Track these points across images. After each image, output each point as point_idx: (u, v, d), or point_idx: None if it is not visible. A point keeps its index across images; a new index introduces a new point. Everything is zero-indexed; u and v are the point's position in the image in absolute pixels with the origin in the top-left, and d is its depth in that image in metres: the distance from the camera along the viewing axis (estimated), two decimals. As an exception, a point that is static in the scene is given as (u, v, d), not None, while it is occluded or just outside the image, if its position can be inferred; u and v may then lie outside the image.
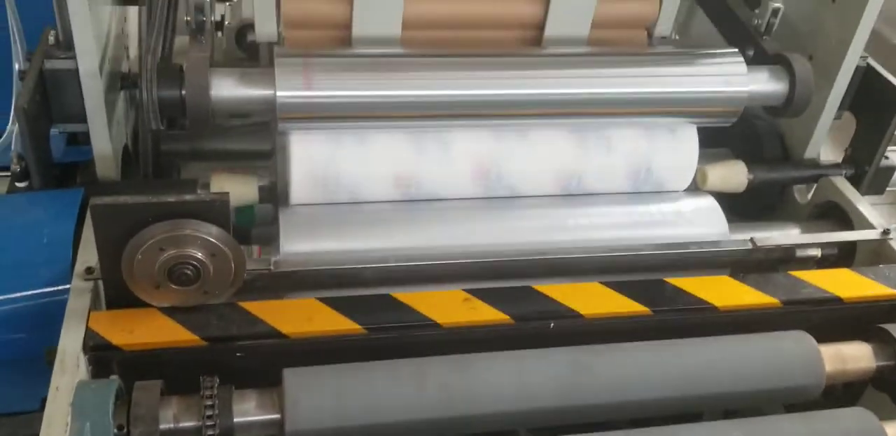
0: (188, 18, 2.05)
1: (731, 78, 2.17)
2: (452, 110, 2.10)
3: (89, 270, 1.97)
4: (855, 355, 2.00)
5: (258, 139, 2.71)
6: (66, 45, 2.13)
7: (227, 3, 2.75)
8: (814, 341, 1.98)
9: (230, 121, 2.79)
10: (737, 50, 2.22)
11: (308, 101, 2.01)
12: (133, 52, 2.58)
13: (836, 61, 2.37)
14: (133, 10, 2.59)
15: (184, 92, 1.97)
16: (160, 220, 1.79)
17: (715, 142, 2.54)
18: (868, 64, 2.42)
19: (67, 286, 2.01)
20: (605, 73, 2.15)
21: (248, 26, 2.67)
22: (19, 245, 2.08)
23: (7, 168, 2.25)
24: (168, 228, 1.80)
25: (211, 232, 1.82)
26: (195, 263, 1.83)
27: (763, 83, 2.21)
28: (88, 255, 2.01)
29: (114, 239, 1.81)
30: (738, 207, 2.51)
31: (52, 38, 2.16)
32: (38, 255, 2.07)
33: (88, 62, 2.06)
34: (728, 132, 2.61)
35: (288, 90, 1.99)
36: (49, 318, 1.99)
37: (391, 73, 2.07)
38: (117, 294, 1.91)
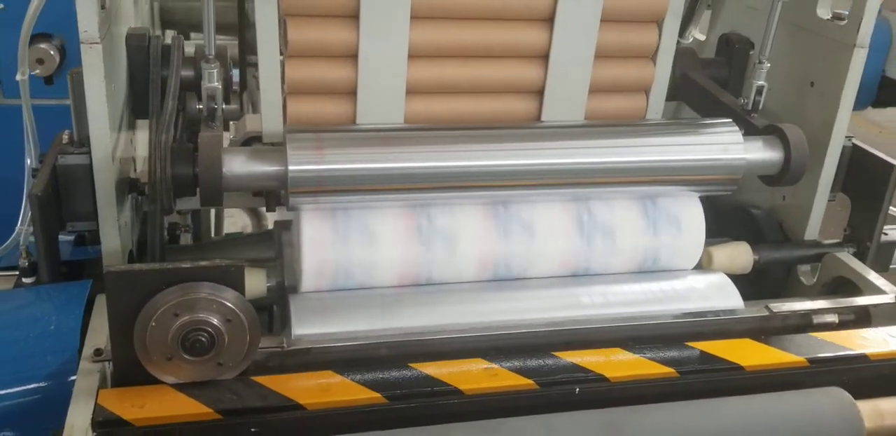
0: (200, 107, 2.12)
1: (728, 146, 2.25)
2: (460, 181, 2.14)
3: (98, 352, 1.92)
4: (893, 410, 1.94)
5: (260, 249, 2.72)
6: (80, 143, 2.19)
7: (232, 122, 2.85)
8: (850, 396, 1.93)
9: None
10: (731, 120, 2.31)
11: (319, 175, 2.05)
12: (140, 165, 2.65)
13: (823, 142, 2.47)
14: (142, 126, 2.68)
15: (196, 169, 2.01)
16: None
17: (715, 232, 2.57)
18: (854, 144, 2.52)
19: (73, 378, 1.94)
20: (606, 144, 2.23)
21: (252, 139, 2.75)
22: (27, 335, 2.04)
23: (14, 267, 2.24)
24: (183, 292, 1.78)
25: (227, 296, 1.80)
26: (210, 329, 1.79)
27: (759, 152, 2.28)
28: (97, 339, 1.97)
29: (127, 308, 1.78)
30: (745, 292, 2.50)
31: (66, 138, 2.22)
32: (45, 344, 2.02)
33: (102, 153, 2.10)
34: (728, 223, 2.67)
35: (299, 164, 2.04)
36: (49, 413, 1.91)
37: (401, 146, 2.13)
38: (126, 373, 1.85)
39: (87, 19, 1.97)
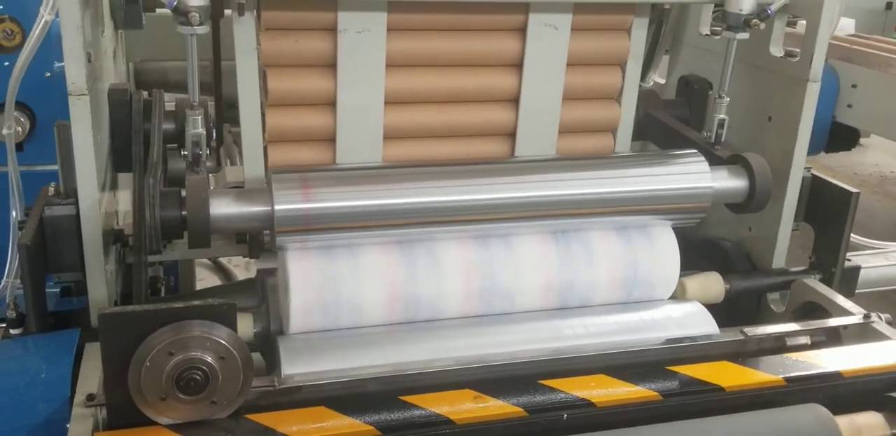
0: (185, 153, 2.19)
1: (696, 175, 2.36)
2: (442, 216, 2.21)
3: (90, 397, 1.93)
4: (869, 424, 2.01)
5: (242, 298, 2.74)
6: (66, 194, 2.24)
7: (211, 175, 2.90)
8: (828, 412, 1.99)
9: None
10: (696, 151, 2.42)
11: (305, 214, 2.11)
12: (122, 219, 2.69)
13: (784, 174, 2.57)
14: (123, 182, 2.74)
15: (184, 212, 2.06)
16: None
17: (687, 265, 2.65)
18: (813, 174, 2.63)
19: (67, 425, 1.95)
20: (584, 176, 2.33)
21: (234, 188, 2.81)
22: (17, 384, 2.04)
23: (2, 320, 2.26)
24: (176, 331, 1.81)
25: (220, 334, 1.83)
26: (204, 367, 1.82)
27: (725, 181, 2.39)
28: (88, 387, 1.98)
29: (121, 350, 1.80)
30: (718, 322, 2.56)
31: (52, 190, 2.27)
32: (36, 392, 2.03)
33: (89, 202, 2.14)
34: (699, 256, 2.75)
35: (285, 204, 2.10)
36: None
37: (385, 183, 2.20)
38: (120, 416, 1.86)
39: (76, 72, 2.03)
